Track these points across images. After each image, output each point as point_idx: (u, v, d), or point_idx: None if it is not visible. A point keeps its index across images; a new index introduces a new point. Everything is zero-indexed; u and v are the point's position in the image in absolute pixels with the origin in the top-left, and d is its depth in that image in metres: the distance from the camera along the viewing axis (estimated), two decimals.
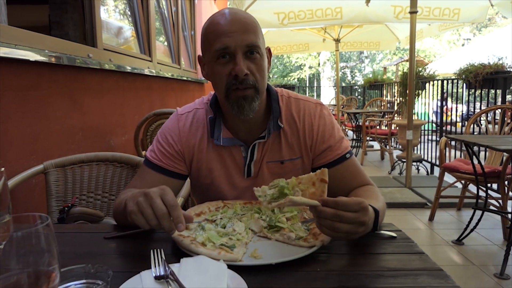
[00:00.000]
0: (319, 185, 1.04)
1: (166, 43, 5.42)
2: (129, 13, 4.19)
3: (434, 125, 8.52)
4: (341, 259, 0.99)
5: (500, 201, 3.58)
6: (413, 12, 5.02)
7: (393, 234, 1.10)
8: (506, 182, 3.53)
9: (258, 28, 1.24)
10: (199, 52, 6.70)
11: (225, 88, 1.22)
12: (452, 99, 6.54)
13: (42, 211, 1.77)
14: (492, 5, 6.08)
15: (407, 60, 13.41)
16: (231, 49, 1.18)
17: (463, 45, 24.41)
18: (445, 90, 6.33)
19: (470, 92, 5.94)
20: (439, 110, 7.69)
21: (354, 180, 1.31)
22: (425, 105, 7.45)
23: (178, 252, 0.98)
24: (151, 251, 0.93)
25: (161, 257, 0.90)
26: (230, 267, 0.88)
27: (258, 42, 1.21)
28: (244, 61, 1.19)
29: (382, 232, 1.11)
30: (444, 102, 6.57)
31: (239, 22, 1.20)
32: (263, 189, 1.09)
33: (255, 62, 1.21)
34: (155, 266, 0.87)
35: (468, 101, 6.01)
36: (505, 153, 3.39)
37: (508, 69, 4.92)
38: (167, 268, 0.85)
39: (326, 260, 0.97)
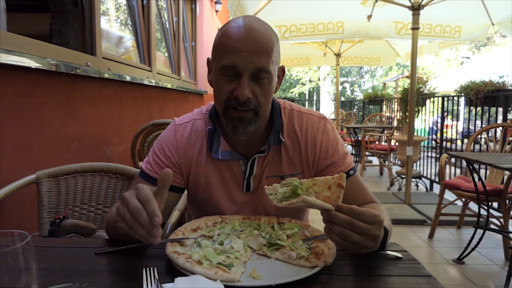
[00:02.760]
0: (335, 189, 0.99)
1: (166, 54, 5.41)
2: (130, 23, 4.17)
3: (433, 141, 8.50)
4: (344, 281, 0.94)
5: (502, 220, 3.52)
6: (415, 28, 5.02)
7: (399, 255, 1.05)
8: (507, 201, 3.48)
9: (273, 48, 1.16)
10: (199, 63, 6.70)
11: (223, 105, 1.18)
12: (452, 117, 6.53)
13: (33, 222, 1.72)
14: (493, 24, 6.11)
15: (407, 76, 13.49)
16: (239, 69, 1.12)
17: (461, 63, 24.56)
18: (445, 107, 6.32)
19: (469, 110, 5.93)
20: (434, 127, 7.66)
21: (358, 197, 1.26)
22: (425, 122, 7.43)
23: (172, 271, 0.92)
24: (143, 269, 0.87)
25: (154, 276, 0.85)
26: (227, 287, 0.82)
27: (269, 67, 1.14)
28: (249, 83, 1.13)
29: (387, 252, 1.06)
30: (440, 119, 6.55)
31: (254, 42, 1.12)
32: (274, 187, 1.04)
33: (261, 86, 1.16)
34: (148, 286, 0.82)
35: (469, 119, 6.00)
36: (507, 172, 3.34)
37: (510, 87, 4.91)
38: None
39: (329, 282, 0.92)
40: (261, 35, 1.14)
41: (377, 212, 0.94)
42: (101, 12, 2.97)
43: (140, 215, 0.87)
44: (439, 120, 6.64)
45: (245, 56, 1.11)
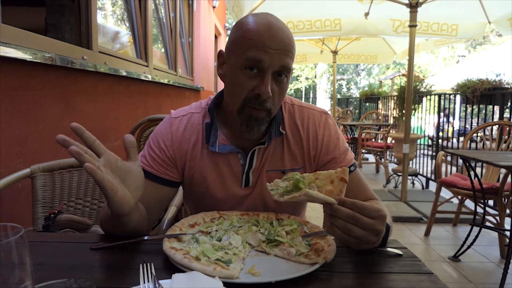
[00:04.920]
0: (338, 183, 0.98)
1: (163, 49, 5.37)
2: (126, 18, 4.14)
3: (429, 139, 8.51)
4: (344, 278, 0.92)
5: (497, 217, 3.53)
6: (412, 25, 5.01)
7: (399, 252, 1.04)
8: (503, 199, 3.49)
9: (295, 48, 1.18)
10: (196, 59, 6.66)
11: (242, 102, 1.16)
12: (449, 115, 6.54)
13: (28, 217, 1.69)
14: (489, 22, 6.11)
15: (403, 74, 13.48)
16: (264, 65, 1.11)
17: (457, 62, 24.60)
18: (441, 105, 6.33)
19: (464, 108, 5.94)
20: (441, 126, 7.65)
21: (358, 194, 1.25)
22: (421, 120, 7.44)
23: (169, 267, 0.90)
24: (140, 265, 0.85)
25: (151, 272, 0.83)
26: (226, 284, 0.81)
27: (291, 66, 1.16)
28: (271, 82, 1.13)
29: (388, 249, 1.05)
30: (443, 118, 6.55)
31: (283, 41, 1.13)
32: (275, 182, 1.03)
33: (280, 86, 1.16)
34: (144, 282, 0.80)
35: (466, 117, 6.01)
36: (503, 170, 3.35)
37: (506, 86, 4.91)
38: (157, 285, 0.78)
39: (329, 279, 0.90)
40: (286, 35, 1.15)
41: (380, 207, 0.93)
42: (98, 7, 2.94)
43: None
44: (444, 119, 6.64)
45: (272, 53, 1.11)
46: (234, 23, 1.27)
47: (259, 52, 1.11)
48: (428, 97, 6.67)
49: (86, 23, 2.79)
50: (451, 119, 7.59)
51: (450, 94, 6.03)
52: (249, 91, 1.14)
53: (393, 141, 6.83)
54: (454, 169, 6.13)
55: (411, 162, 6.66)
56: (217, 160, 1.27)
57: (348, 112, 12.66)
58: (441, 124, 6.99)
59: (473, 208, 3.62)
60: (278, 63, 1.12)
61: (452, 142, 6.97)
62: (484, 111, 5.34)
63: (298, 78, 28.69)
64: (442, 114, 6.60)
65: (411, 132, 6.02)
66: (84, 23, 2.79)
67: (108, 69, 2.84)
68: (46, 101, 2.10)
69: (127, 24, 4.20)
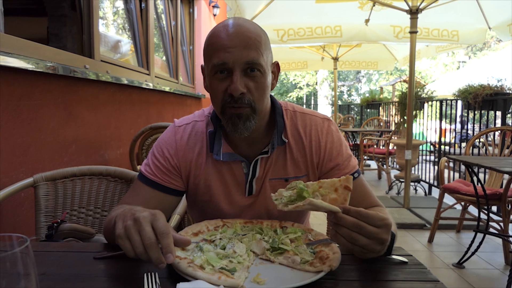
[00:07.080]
0: (342, 191, 0.98)
1: (164, 58, 5.39)
2: (128, 26, 4.16)
3: (431, 145, 8.49)
4: (350, 286, 0.92)
5: (501, 224, 3.51)
6: (413, 32, 5.02)
7: (404, 259, 1.03)
8: (507, 205, 3.47)
9: (262, 43, 1.16)
10: (197, 67, 6.69)
11: (220, 104, 1.17)
12: (450, 121, 6.53)
13: (30, 226, 1.69)
14: (489, 28, 6.12)
15: (404, 81, 13.48)
16: (229, 65, 1.12)
17: (458, 68, 24.60)
18: (442, 111, 6.32)
19: (466, 114, 5.93)
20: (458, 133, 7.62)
21: (362, 201, 1.24)
22: (422, 126, 7.44)
23: (174, 276, 0.90)
24: (145, 274, 0.85)
25: (156, 282, 0.83)
26: None
27: (260, 59, 1.14)
28: (241, 78, 1.13)
29: (392, 256, 1.04)
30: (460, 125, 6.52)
31: (241, 37, 1.13)
32: (279, 192, 1.03)
33: (254, 80, 1.14)
34: None
35: (467, 123, 6.00)
36: (506, 175, 3.33)
37: (508, 91, 4.91)
38: None
39: (334, 287, 0.89)
40: (247, 30, 1.15)
41: (385, 216, 0.93)
42: (99, 16, 2.95)
43: (153, 249, 0.84)
44: (458, 126, 6.59)
45: (234, 52, 1.11)
46: None
47: (220, 55, 1.12)
48: (430, 103, 6.67)
49: (88, 32, 2.80)
50: (453, 125, 7.56)
51: (451, 100, 6.03)
52: (223, 93, 1.15)
53: (395, 147, 6.82)
54: (456, 175, 6.11)
55: (413, 168, 6.65)
56: (221, 169, 1.27)
57: (350, 118, 12.66)
58: (456, 131, 6.90)
59: (476, 214, 3.60)
60: (242, 59, 1.12)
61: (454, 148, 6.95)
62: (486, 117, 5.32)
63: (298, 85, 28.71)
64: (458, 120, 6.53)
65: (413, 138, 6.01)
66: (86, 32, 2.81)
67: (110, 78, 2.85)
68: (48, 110, 2.10)
69: (129, 33, 4.22)
